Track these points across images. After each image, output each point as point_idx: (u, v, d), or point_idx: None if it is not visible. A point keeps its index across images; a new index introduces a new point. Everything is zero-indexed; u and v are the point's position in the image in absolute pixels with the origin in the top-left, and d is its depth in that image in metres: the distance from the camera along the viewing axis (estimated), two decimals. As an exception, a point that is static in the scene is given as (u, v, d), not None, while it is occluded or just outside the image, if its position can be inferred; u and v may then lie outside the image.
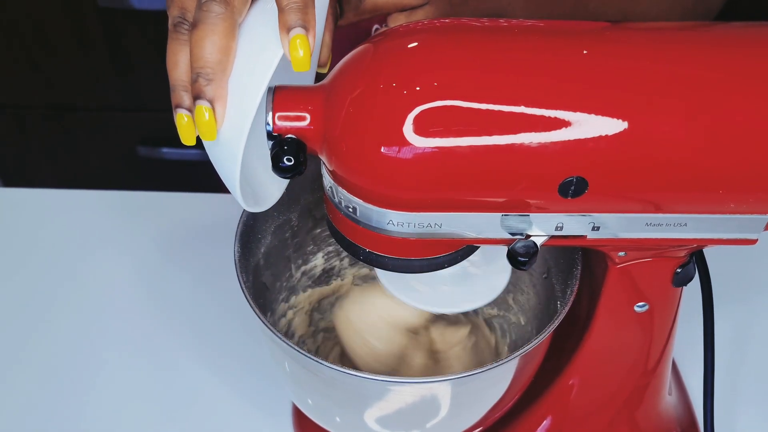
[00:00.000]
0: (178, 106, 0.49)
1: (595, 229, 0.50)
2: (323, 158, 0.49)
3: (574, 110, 0.45)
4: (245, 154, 0.48)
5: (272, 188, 0.57)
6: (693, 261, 0.57)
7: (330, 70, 0.52)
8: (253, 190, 0.54)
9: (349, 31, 0.61)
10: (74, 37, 1.46)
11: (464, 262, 0.59)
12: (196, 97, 0.47)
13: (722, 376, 0.78)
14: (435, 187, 0.47)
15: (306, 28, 0.47)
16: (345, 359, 0.72)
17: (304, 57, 0.47)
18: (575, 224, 0.50)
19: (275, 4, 0.48)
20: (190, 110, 0.48)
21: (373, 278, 0.75)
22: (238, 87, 0.48)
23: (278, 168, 0.47)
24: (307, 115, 0.48)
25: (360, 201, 0.48)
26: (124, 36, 1.46)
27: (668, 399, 0.71)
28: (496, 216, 0.49)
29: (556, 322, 0.56)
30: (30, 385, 0.79)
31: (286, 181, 0.58)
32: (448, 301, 0.61)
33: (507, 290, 0.74)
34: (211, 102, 0.47)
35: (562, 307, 0.57)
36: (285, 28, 0.47)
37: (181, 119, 0.49)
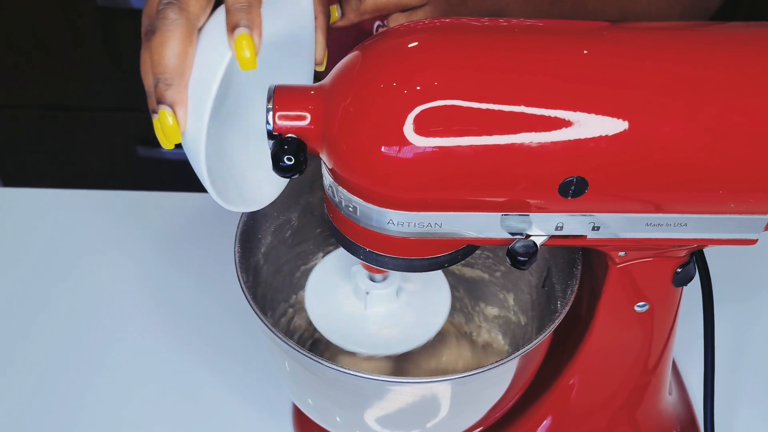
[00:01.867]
0: (154, 111, 0.50)
1: (596, 229, 0.50)
2: (323, 157, 0.49)
3: (575, 110, 0.45)
4: (228, 154, 0.49)
5: (266, 188, 0.57)
6: (693, 261, 0.57)
7: (328, 69, 0.52)
8: (239, 190, 0.55)
9: (350, 30, 0.61)
10: (72, 36, 1.46)
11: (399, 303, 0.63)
12: (158, 102, 0.48)
13: (722, 376, 0.78)
14: (435, 186, 0.47)
15: (250, 27, 0.47)
16: (345, 359, 0.72)
17: (251, 57, 0.47)
18: (575, 224, 0.50)
19: None
20: None
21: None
22: (196, 90, 0.49)
23: (278, 167, 0.47)
24: (308, 115, 0.48)
25: (360, 200, 0.48)
26: (122, 35, 1.46)
27: (668, 398, 0.71)
28: (496, 216, 0.49)
29: (556, 322, 0.56)
30: (29, 385, 0.79)
31: (284, 181, 0.58)
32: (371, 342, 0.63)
33: (507, 290, 0.75)
34: (171, 106, 0.48)
35: (562, 307, 0.57)
36: (230, 28, 0.47)
37: (157, 124, 0.49)
